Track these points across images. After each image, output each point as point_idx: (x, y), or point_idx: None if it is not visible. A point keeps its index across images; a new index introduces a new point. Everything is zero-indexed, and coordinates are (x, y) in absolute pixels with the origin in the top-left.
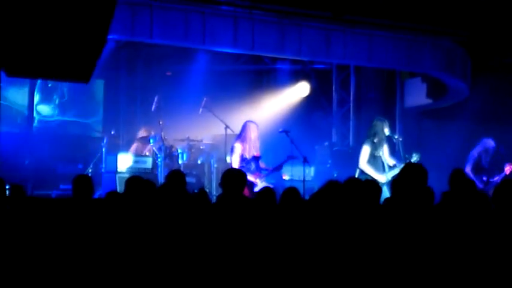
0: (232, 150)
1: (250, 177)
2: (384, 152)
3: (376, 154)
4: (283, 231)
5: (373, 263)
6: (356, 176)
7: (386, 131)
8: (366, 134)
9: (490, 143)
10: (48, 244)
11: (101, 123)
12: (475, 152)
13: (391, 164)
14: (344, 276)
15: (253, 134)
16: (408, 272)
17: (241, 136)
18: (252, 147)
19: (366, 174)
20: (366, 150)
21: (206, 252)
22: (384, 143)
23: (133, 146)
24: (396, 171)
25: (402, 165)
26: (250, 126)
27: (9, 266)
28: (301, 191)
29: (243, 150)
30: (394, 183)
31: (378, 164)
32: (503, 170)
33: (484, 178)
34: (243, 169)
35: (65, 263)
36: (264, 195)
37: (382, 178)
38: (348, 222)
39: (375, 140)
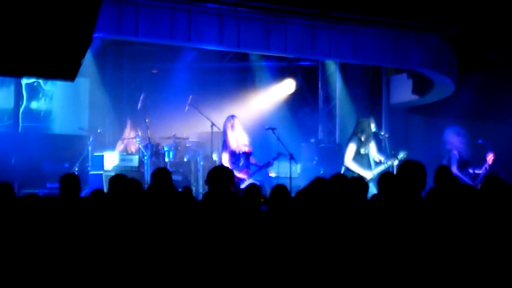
0: (221, 147)
1: (238, 174)
2: (371, 148)
3: (362, 152)
4: (271, 228)
5: (361, 258)
6: (342, 172)
7: (373, 127)
8: (352, 131)
9: (457, 130)
10: (38, 243)
11: (86, 121)
12: (454, 150)
13: (378, 160)
14: (332, 273)
15: (233, 128)
16: (397, 268)
17: (225, 132)
18: (238, 141)
19: (352, 171)
20: (351, 148)
21: (191, 251)
22: (371, 139)
23: (120, 145)
24: (382, 167)
25: (389, 162)
26: (227, 121)
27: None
28: (288, 188)
29: (231, 146)
30: (384, 179)
31: (364, 161)
32: (485, 160)
33: (471, 171)
34: (232, 165)
35: (55, 261)
36: (250, 192)
37: (368, 175)
38: (335, 219)
39: (362, 138)
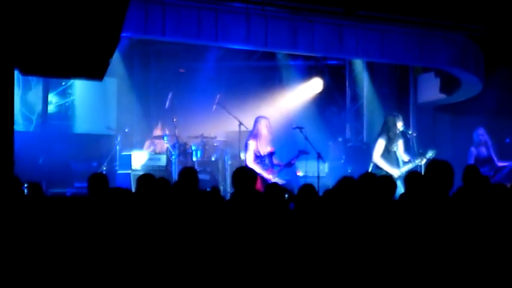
0: (246, 148)
1: (264, 174)
2: (399, 147)
3: (390, 149)
4: (298, 227)
5: (388, 258)
6: (370, 170)
7: (400, 126)
8: (380, 129)
9: (479, 132)
10: (68, 243)
11: (114, 121)
12: (472, 149)
13: (406, 160)
14: (360, 273)
15: (264, 129)
16: (425, 268)
17: (253, 132)
18: (265, 143)
19: (380, 168)
20: (380, 144)
21: (218, 251)
22: (398, 138)
23: (147, 144)
24: (410, 166)
25: (416, 161)
26: (261, 121)
27: (29, 264)
28: (316, 187)
29: (257, 146)
30: (411, 178)
31: (392, 158)
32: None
33: (486, 169)
34: (258, 166)
35: (84, 260)
36: (272, 191)
37: (396, 172)
38: (363, 218)
39: (390, 135)
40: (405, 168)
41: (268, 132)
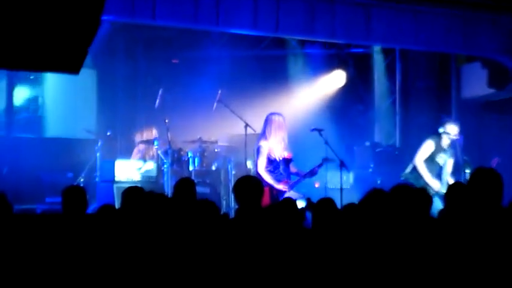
0: (258, 152)
1: (277, 186)
2: (447, 165)
3: (437, 159)
4: (314, 250)
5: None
6: (407, 171)
7: (454, 131)
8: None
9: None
10: (36, 269)
11: (94, 122)
12: None
13: (449, 181)
14: None
15: (279, 128)
16: None
17: (265, 132)
18: (280, 145)
19: (418, 173)
20: (428, 146)
21: (219, 283)
22: (448, 153)
23: (136, 151)
24: (451, 181)
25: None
26: (275, 119)
27: None
28: (338, 202)
29: (270, 149)
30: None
31: (435, 169)
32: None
33: None
34: (270, 175)
35: None
36: (283, 208)
37: (436, 184)
38: (394, 241)
39: (444, 143)
40: (446, 184)
41: (284, 133)
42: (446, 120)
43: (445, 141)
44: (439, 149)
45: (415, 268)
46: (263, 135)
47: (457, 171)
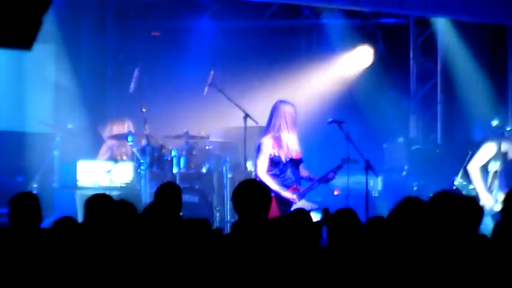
0: (258, 150)
1: (285, 193)
2: (498, 173)
3: (492, 167)
4: (333, 274)
5: None
6: (457, 178)
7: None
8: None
9: None
10: None
11: (50, 112)
12: None
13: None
14: None
15: (289, 121)
16: None
17: (270, 126)
18: (288, 143)
19: (470, 182)
20: (489, 150)
21: None
22: (502, 157)
23: (103, 148)
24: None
25: None
26: (283, 109)
27: None
28: (362, 214)
29: (275, 147)
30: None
31: (484, 178)
32: None
33: None
34: (274, 180)
35: None
36: (293, 221)
37: (488, 200)
38: (434, 265)
39: (504, 146)
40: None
41: (294, 127)
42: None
43: (505, 146)
44: (498, 154)
45: None
46: (267, 128)
47: None
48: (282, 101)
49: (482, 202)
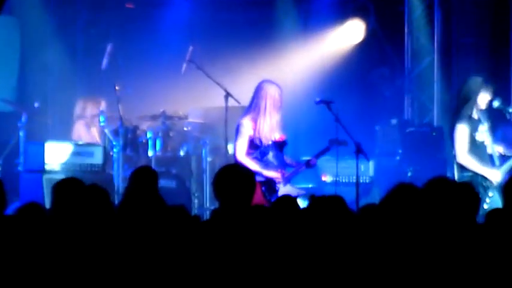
0: (237, 131)
1: (267, 173)
2: (486, 134)
3: (477, 138)
4: (320, 266)
5: None
6: (456, 176)
7: (486, 98)
8: (456, 104)
9: None
10: None
11: (14, 89)
12: None
13: (497, 153)
14: None
15: (272, 102)
16: None
17: (251, 107)
18: (271, 125)
19: (471, 171)
20: (462, 132)
21: None
22: (483, 120)
23: (74, 129)
24: (509, 164)
25: None
26: (268, 90)
27: None
28: (353, 202)
29: (256, 130)
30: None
31: (482, 153)
32: None
33: None
34: (255, 162)
35: None
36: (280, 208)
37: (495, 175)
38: (430, 255)
39: (474, 114)
40: (506, 167)
41: (277, 109)
42: (480, 82)
43: (477, 111)
44: (473, 125)
45: None
46: (248, 109)
47: None
48: (266, 81)
49: (489, 178)
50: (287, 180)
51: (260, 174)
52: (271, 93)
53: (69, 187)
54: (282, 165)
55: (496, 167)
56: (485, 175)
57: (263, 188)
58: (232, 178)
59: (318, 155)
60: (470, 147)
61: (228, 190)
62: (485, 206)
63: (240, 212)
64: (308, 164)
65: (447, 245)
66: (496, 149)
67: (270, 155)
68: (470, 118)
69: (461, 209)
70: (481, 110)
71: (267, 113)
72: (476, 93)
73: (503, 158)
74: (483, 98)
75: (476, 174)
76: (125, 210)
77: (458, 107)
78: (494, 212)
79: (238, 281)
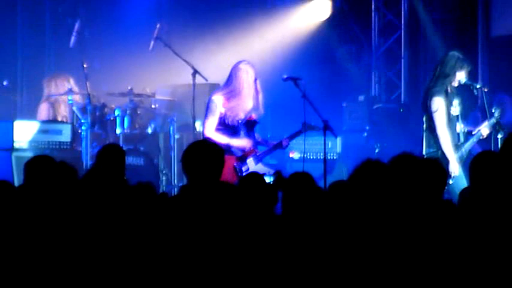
0: (207, 108)
1: (236, 142)
2: (457, 108)
3: (452, 112)
4: (286, 243)
5: None
6: (424, 152)
7: (463, 76)
8: (432, 77)
9: None
10: None
11: None
12: None
13: (464, 130)
14: None
15: (248, 85)
16: None
17: (227, 85)
18: (243, 104)
19: (437, 148)
20: (441, 106)
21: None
22: (455, 95)
23: (42, 107)
24: (473, 141)
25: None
26: (243, 69)
27: None
28: (320, 178)
29: (228, 108)
30: (479, 163)
31: (454, 127)
32: None
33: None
34: (224, 136)
35: None
36: (247, 185)
37: (455, 167)
38: (398, 233)
39: (449, 88)
40: (468, 145)
41: (252, 89)
42: (460, 57)
43: (452, 86)
44: (449, 100)
45: (421, 269)
46: (224, 86)
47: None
48: (243, 61)
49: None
50: (259, 159)
51: (229, 145)
52: (246, 72)
53: (40, 164)
54: (253, 143)
55: (462, 145)
56: (449, 158)
57: (235, 164)
58: (200, 154)
59: (290, 137)
60: (448, 123)
61: (196, 166)
62: (450, 182)
63: (208, 188)
64: (280, 145)
65: (415, 220)
66: (463, 126)
67: (242, 134)
68: (446, 92)
69: (429, 185)
70: (454, 85)
71: (242, 94)
72: (455, 69)
73: (469, 136)
74: (460, 74)
75: (443, 152)
76: (86, 186)
77: (435, 80)
78: (465, 190)
79: (204, 257)
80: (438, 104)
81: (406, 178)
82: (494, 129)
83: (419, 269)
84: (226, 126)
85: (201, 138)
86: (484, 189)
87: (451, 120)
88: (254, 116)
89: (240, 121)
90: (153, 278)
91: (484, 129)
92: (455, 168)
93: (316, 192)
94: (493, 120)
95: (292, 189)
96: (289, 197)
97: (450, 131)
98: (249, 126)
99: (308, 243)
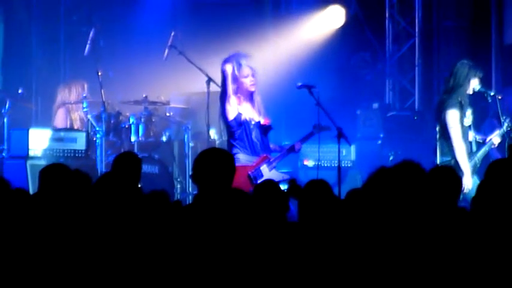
0: (223, 99)
1: (251, 161)
2: (470, 118)
3: (465, 122)
4: (301, 251)
5: None
6: (438, 160)
7: (475, 84)
8: (445, 88)
9: None
10: None
11: None
12: None
13: (477, 139)
14: None
15: (250, 77)
16: None
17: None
18: (253, 105)
19: (451, 157)
20: (455, 118)
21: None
22: (469, 105)
23: (59, 112)
24: (485, 149)
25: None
26: (232, 62)
27: None
28: (335, 186)
29: (238, 103)
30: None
31: (467, 137)
32: None
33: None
34: (237, 143)
35: None
36: (262, 193)
37: (468, 181)
38: (412, 242)
39: (462, 100)
40: (481, 154)
41: (250, 81)
42: (471, 65)
43: (466, 96)
44: (463, 111)
45: (438, 277)
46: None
47: (500, 144)
48: (236, 54)
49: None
50: (272, 166)
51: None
52: (235, 64)
53: (55, 173)
54: (266, 149)
55: (474, 155)
56: (464, 171)
57: (250, 173)
58: (209, 162)
59: (302, 140)
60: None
61: (204, 174)
62: (465, 191)
63: (219, 196)
64: (293, 149)
65: (429, 228)
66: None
67: (253, 135)
68: (460, 103)
69: (443, 193)
70: (468, 93)
71: (243, 87)
72: (469, 77)
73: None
74: (474, 82)
75: (456, 161)
76: (100, 194)
77: (449, 92)
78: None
79: (218, 265)
80: (453, 117)
81: (422, 186)
82: (507, 137)
83: (436, 276)
84: (239, 126)
85: (216, 145)
86: (495, 196)
87: (464, 131)
88: (268, 121)
89: (252, 121)
90: (167, 286)
91: (496, 138)
92: (468, 183)
93: (333, 200)
94: (503, 129)
95: (309, 197)
96: (307, 204)
97: (465, 143)
98: (262, 130)
99: (327, 252)
